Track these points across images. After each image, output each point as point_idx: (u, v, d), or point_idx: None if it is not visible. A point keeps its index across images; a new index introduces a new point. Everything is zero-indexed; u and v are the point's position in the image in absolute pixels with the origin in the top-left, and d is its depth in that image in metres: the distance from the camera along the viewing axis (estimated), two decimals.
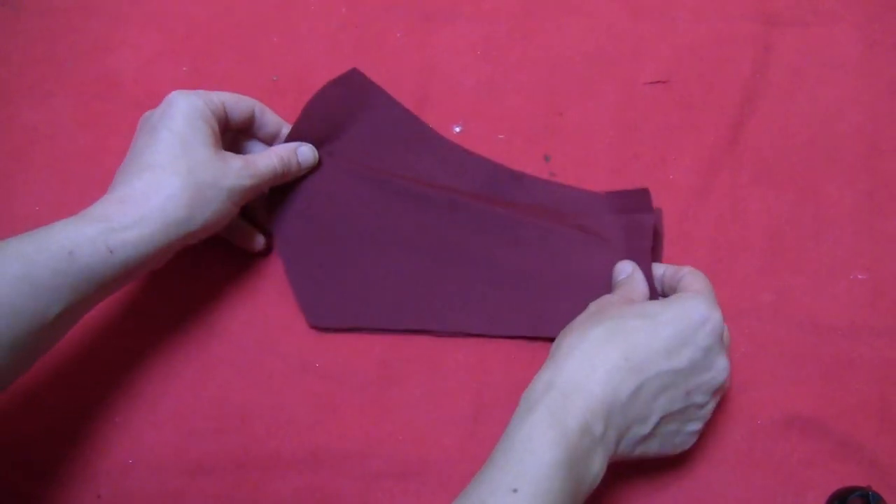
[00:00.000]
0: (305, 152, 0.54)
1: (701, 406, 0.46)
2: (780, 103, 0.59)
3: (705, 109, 0.59)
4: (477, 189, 0.57)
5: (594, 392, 0.42)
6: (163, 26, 0.61)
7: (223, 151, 0.49)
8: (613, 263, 0.54)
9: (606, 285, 0.55)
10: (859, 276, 0.55)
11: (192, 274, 0.56)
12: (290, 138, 0.55)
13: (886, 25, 0.60)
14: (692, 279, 0.49)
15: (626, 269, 0.52)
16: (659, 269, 0.52)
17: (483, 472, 0.41)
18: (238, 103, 0.52)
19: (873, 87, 0.59)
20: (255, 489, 0.51)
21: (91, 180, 0.58)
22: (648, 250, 0.54)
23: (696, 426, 0.47)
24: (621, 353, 0.43)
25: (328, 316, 0.55)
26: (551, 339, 0.54)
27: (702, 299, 0.46)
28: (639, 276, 0.51)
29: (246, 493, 0.51)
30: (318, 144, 0.56)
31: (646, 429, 0.44)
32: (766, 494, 0.52)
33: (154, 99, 0.59)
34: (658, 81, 0.59)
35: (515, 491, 0.39)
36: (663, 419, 0.45)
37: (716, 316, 0.46)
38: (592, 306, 0.49)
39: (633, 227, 0.55)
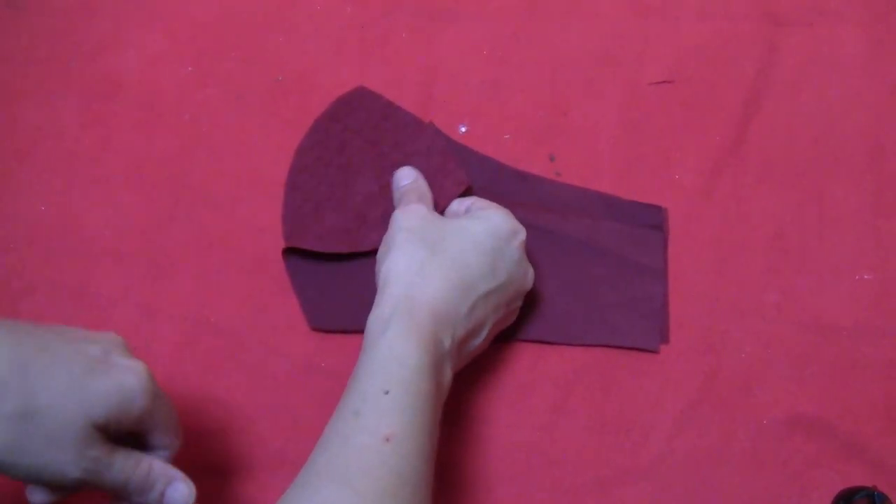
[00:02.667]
0: (176, 496, 0.42)
1: (517, 307, 0.52)
2: (785, 103, 0.59)
3: (710, 109, 0.59)
4: (482, 189, 0.57)
5: (439, 310, 0.46)
6: (166, 27, 0.61)
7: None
8: (618, 273, 0.55)
9: (610, 292, 0.55)
10: (864, 277, 0.55)
11: (197, 275, 0.56)
12: (299, 152, 0.55)
13: (891, 25, 0.60)
14: (482, 202, 0.53)
15: (410, 175, 0.54)
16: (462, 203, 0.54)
17: (349, 387, 0.44)
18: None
19: (878, 88, 0.59)
20: (261, 490, 0.51)
21: (95, 180, 0.58)
22: (662, 269, 0.55)
23: (511, 319, 0.53)
24: (458, 275, 0.47)
25: (330, 319, 0.55)
26: (553, 342, 0.55)
27: (503, 213, 0.51)
28: (422, 181, 0.54)
29: (252, 493, 0.51)
30: (325, 155, 0.56)
31: (480, 339, 0.49)
32: (771, 494, 0.52)
33: (157, 99, 0.60)
34: (663, 81, 0.59)
35: (387, 392, 0.42)
36: (490, 326, 0.49)
37: (519, 226, 0.51)
38: (402, 222, 0.50)
39: (645, 243, 0.56)
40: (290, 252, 0.56)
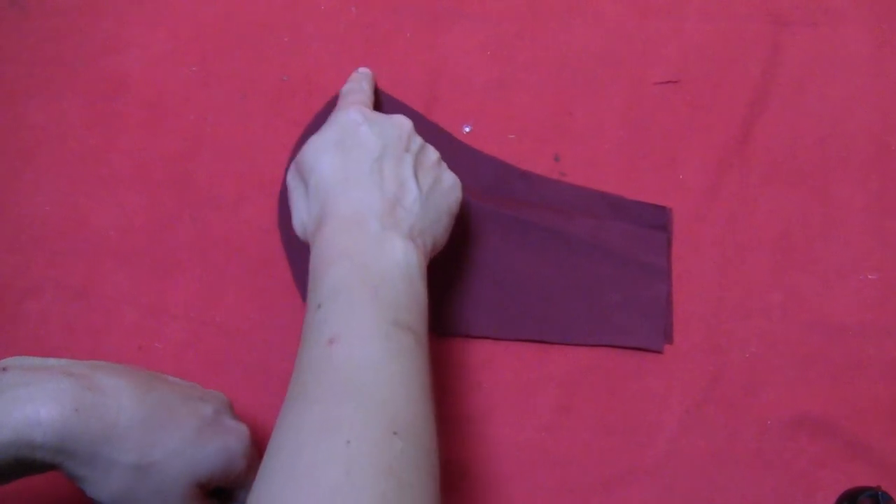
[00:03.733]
0: None
1: (436, 162, 0.50)
2: (790, 103, 0.59)
3: (715, 109, 0.59)
4: (486, 189, 0.57)
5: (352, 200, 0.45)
6: (171, 26, 0.61)
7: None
8: (623, 273, 0.55)
9: (614, 292, 0.55)
10: (869, 276, 0.55)
11: (202, 275, 0.56)
12: (300, 144, 0.54)
13: None
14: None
15: (353, 77, 0.56)
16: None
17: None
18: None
19: (883, 87, 0.59)
20: None
21: (99, 180, 0.58)
22: (666, 269, 0.55)
23: (449, 180, 0.50)
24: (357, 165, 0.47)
25: None
26: (558, 342, 0.55)
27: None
28: (365, 83, 0.56)
29: None
30: None
31: (414, 196, 0.47)
32: (775, 494, 0.52)
33: (162, 99, 0.60)
34: (667, 81, 0.59)
35: (319, 306, 0.41)
36: (431, 200, 0.48)
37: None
38: (336, 129, 0.48)
39: (650, 243, 0.56)
40: (292, 250, 0.56)
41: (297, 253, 0.56)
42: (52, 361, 0.42)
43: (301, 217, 0.48)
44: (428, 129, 0.58)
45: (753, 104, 0.59)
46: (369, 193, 0.45)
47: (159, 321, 0.55)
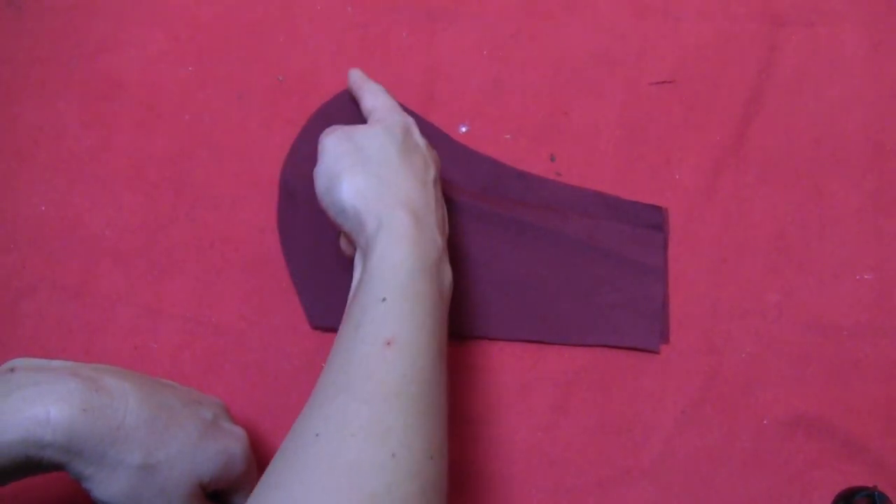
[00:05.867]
0: None
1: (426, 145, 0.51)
2: (786, 103, 0.59)
3: (711, 109, 0.59)
4: (483, 189, 0.57)
5: (418, 210, 0.45)
6: (167, 26, 0.61)
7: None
8: (619, 273, 0.55)
9: (611, 292, 0.55)
10: (865, 276, 0.55)
11: (198, 275, 0.56)
12: (296, 145, 0.54)
13: (891, 25, 0.60)
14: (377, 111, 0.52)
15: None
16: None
17: (350, 304, 0.44)
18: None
19: (878, 87, 0.59)
20: None
21: (95, 180, 0.58)
22: (662, 269, 0.55)
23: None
24: (414, 176, 0.47)
25: (331, 318, 0.55)
26: (554, 342, 0.55)
27: (389, 109, 0.51)
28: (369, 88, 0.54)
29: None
30: (314, 154, 0.57)
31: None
32: (771, 494, 0.52)
33: (158, 99, 0.60)
34: (664, 81, 0.59)
35: (384, 300, 0.41)
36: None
37: (407, 117, 0.51)
38: (335, 148, 0.47)
39: (646, 243, 0.56)
40: (290, 251, 0.56)
41: (297, 254, 0.56)
42: (57, 363, 0.43)
43: (362, 193, 0.46)
44: (424, 130, 0.58)
45: (749, 104, 0.59)
46: (436, 220, 0.46)
47: (155, 321, 0.55)
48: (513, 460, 0.53)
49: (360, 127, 0.49)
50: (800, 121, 0.59)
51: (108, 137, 0.59)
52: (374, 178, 0.46)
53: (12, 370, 0.41)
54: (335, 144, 0.47)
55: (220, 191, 0.58)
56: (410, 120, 0.50)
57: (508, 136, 0.59)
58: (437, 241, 0.45)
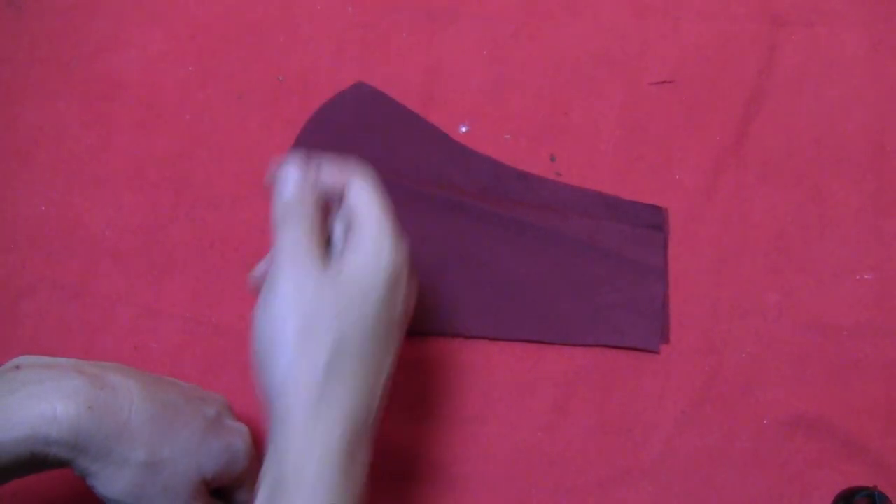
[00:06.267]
0: None
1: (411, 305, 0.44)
2: (786, 103, 0.59)
3: (711, 109, 0.59)
4: (483, 189, 0.57)
5: (357, 419, 0.40)
6: (167, 26, 0.61)
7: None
8: (619, 273, 0.55)
9: (611, 292, 0.55)
10: (865, 276, 0.55)
11: (198, 275, 0.56)
12: (296, 145, 0.54)
13: (892, 25, 0.60)
14: (360, 215, 0.42)
15: (293, 177, 0.43)
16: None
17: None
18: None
19: (879, 87, 0.59)
20: None
21: (95, 180, 0.58)
22: (662, 269, 0.55)
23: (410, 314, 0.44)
24: (363, 366, 0.40)
25: None
26: (554, 342, 0.55)
27: (383, 232, 0.41)
28: (308, 192, 0.42)
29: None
30: (324, 153, 0.56)
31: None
32: (771, 494, 0.52)
33: (158, 99, 0.60)
34: (664, 81, 0.59)
35: None
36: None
37: (398, 241, 0.42)
38: (289, 302, 0.41)
39: (646, 243, 0.56)
40: None
41: None
42: (62, 361, 0.43)
43: (296, 385, 0.41)
44: (424, 130, 0.58)
45: (749, 104, 0.59)
46: (371, 408, 0.41)
47: (155, 321, 0.55)
48: (513, 460, 0.53)
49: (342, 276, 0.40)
50: (800, 121, 0.59)
51: (108, 137, 0.59)
52: (323, 367, 0.39)
53: (17, 368, 0.41)
54: (301, 294, 0.41)
55: (220, 191, 0.58)
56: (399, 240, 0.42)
57: (508, 137, 0.59)
58: (362, 439, 0.40)
